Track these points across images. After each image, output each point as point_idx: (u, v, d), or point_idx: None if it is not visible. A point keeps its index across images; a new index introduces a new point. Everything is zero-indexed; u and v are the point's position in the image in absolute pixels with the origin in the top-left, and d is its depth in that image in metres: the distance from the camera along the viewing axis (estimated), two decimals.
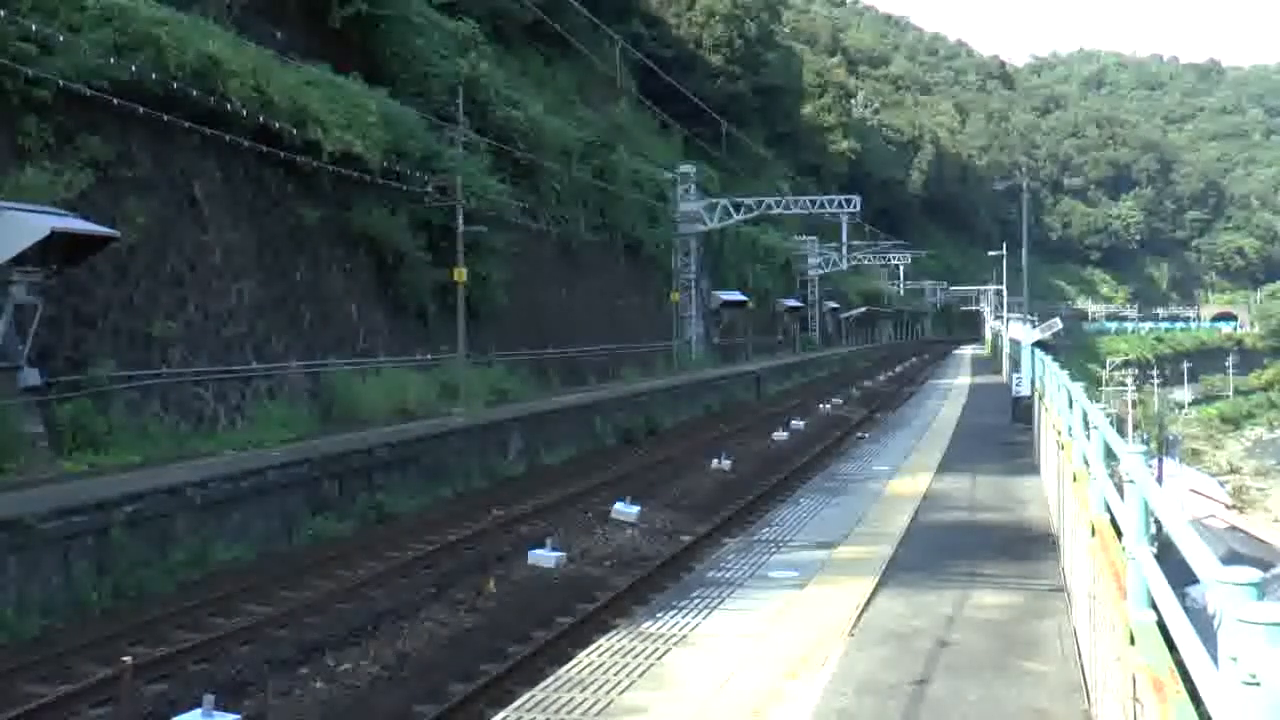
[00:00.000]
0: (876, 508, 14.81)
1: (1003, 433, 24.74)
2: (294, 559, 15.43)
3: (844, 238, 71.29)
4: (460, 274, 26.00)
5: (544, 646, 11.53)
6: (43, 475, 14.91)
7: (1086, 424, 8.85)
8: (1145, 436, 63.64)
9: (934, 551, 11.87)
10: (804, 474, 22.96)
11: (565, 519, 18.41)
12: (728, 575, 10.80)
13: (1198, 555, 3.20)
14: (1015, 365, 32.80)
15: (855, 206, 53.47)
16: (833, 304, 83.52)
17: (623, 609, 12.75)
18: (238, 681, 10.50)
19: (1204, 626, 3.71)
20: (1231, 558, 33.24)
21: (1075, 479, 9.30)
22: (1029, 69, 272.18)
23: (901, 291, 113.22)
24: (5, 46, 16.51)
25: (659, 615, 9.37)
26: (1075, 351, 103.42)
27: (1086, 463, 8.46)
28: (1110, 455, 7.21)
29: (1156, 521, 4.96)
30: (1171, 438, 70.11)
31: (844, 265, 78.59)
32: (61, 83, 17.19)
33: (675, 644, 8.49)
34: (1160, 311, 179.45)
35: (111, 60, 18.14)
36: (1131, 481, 5.30)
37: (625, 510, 18.58)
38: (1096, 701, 6.61)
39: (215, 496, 15.15)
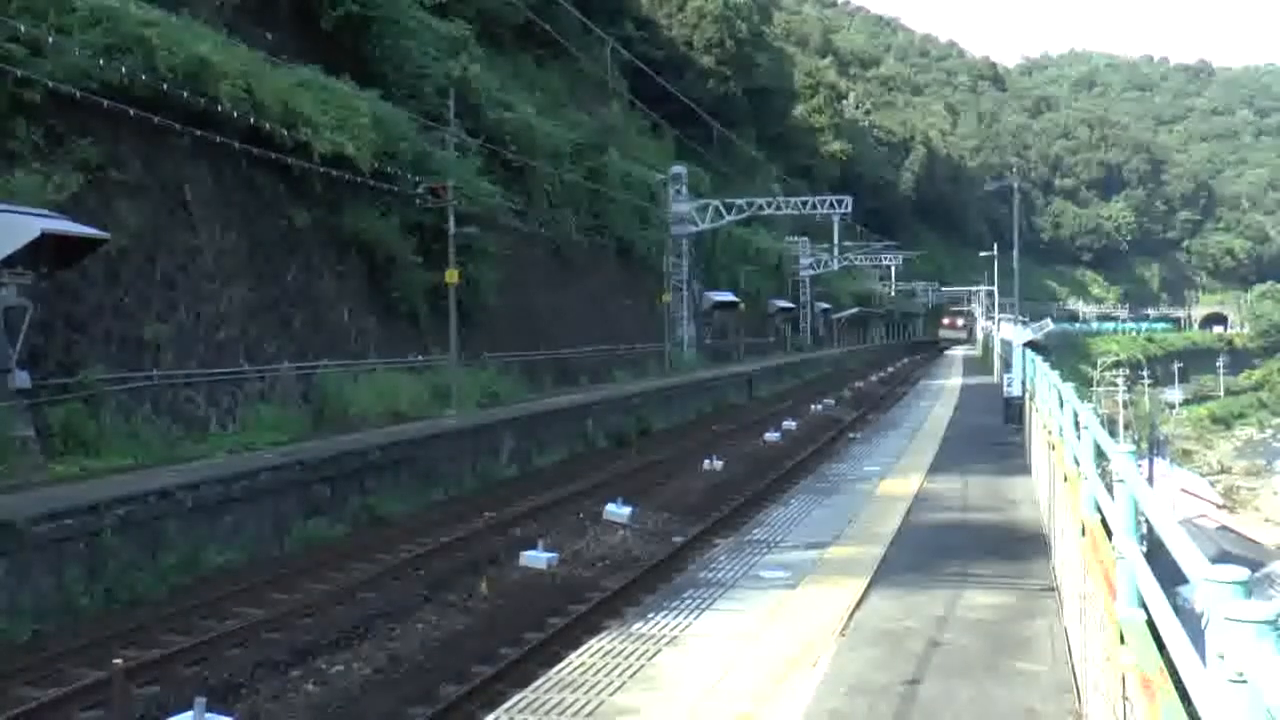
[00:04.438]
0: (868, 508, 14.82)
1: (994, 433, 24.77)
2: (286, 562, 15.41)
3: (835, 239, 71.32)
4: (452, 276, 25.97)
5: (536, 648, 11.52)
6: (33, 478, 14.85)
7: (1077, 424, 8.88)
8: (1136, 436, 63.84)
9: (925, 552, 11.88)
10: (796, 475, 22.97)
11: (557, 521, 18.40)
12: (719, 576, 10.80)
13: (1186, 554, 3.21)
14: (1007, 366, 32.87)
15: (846, 208, 53.52)
16: (824, 305, 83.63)
17: (614, 610, 12.73)
18: (230, 684, 10.48)
19: (1193, 625, 3.72)
20: (1222, 557, 33.31)
21: (1066, 479, 9.32)
22: (1020, 70, 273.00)
23: (893, 292, 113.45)
24: None
25: (650, 616, 9.37)
26: (1064, 352, 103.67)
27: (1077, 463, 8.48)
28: (1100, 455, 7.23)
29: (1146, 521, 4.98)
30: (1161, 438, 70.31)
31: (835, 266, 78.72)
32: (51, 85, 17.15)
33: (667, 645, 8.49)
34: (1151, 312, 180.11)
35: (101, 62, 18.10)
36: (1121, 481, 5.32)
37: (617, 512, 18.57)
38: (1087, 701, 6.63)
39: (207, 499, 15.11)
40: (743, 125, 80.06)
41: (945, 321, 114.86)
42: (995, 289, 63.59)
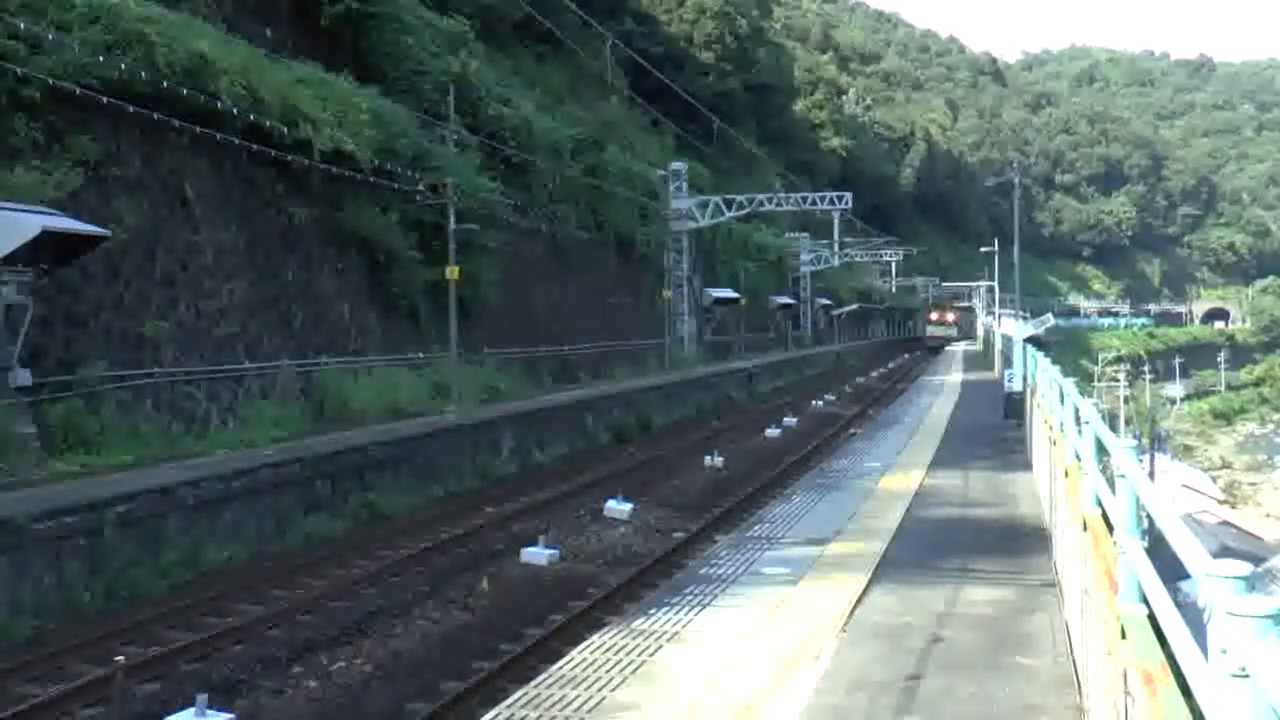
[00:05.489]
0: (869, 504, 14.82)
1: (995, 429, 24.75)
2: (286, 558, 15.41)
3: (836, 235, 71.40)
4: (452, 272, 25.95)
5: (536, 644, 11.52)
6: (34, 476, 14.86)
7: (1078, 419, 8.86)
8: (1137, 432, 63.85)
9: (926, 547, 11.88)
10: (796, 471, 22.97)
11: (558, 517, 18.40)
12: (720, 572, 10.80)
13: (1188, 549, 3.20)
14: (1007, 362, 32.85)
15: (847, 203, 53.50)
16: (825, 301, 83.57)
17: (615, 606, 12.74)
18: (231, 681, 10.48)
19: (1195, 620, 3.72)
20: (1223, 552, 33.30)
21: (1067, 474, 9.31)
22: (1020, 65, 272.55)
23: (893, 288, 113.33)
24: None
25: (651, 612, 9.37)
26: (1065, 347, 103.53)
27: (1078, 458, 8.47)
28: (1102, 450, 7.22)
29: (1148, 516, 4.97)
30: (1162, 433, 70.35)
31: (836, 262, 78.75)
32: (51, 82, 17.13)
33: (667, 641, 8.48)
34: (1152, 307, 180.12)
35: (101, 59, 18.08)
36: (1122, 476, 5.31)
37: (618, 508, 18.58)
38: (1088, 696, 6.62)
39: (207, 496, 15.11)
40: (743, 121, 79.97)
41: (933, 316, 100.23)
42: (996, 284, 63.55)
